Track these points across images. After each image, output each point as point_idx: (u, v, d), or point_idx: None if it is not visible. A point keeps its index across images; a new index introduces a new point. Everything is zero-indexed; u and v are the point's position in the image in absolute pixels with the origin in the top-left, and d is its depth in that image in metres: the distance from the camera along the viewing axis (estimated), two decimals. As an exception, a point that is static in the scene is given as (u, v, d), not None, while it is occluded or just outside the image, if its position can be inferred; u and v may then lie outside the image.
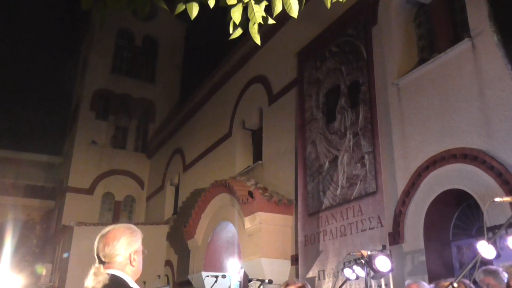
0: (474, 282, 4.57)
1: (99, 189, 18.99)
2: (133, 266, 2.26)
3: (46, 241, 20.26)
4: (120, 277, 2.20)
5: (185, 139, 16.45)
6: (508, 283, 2.60)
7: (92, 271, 2.20)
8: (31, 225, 21.73)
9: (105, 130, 20.20)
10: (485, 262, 4.70)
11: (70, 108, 23.09)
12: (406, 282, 4.81)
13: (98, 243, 2.26)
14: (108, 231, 2.28)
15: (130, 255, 2.25)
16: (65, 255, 13.54)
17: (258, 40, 2.69)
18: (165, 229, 15.88)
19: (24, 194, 21.55)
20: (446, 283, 3.03)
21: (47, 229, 21.30)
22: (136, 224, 16.75)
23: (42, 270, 16.87)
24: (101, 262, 2.22)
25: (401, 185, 7.10)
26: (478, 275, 3.82)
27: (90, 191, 18.75)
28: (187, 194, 14.98)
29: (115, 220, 18.72)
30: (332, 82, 8.98)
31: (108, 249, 2.23)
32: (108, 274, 2.17)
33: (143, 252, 2.34)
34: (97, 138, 19.79)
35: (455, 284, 2.32)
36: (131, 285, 2.20)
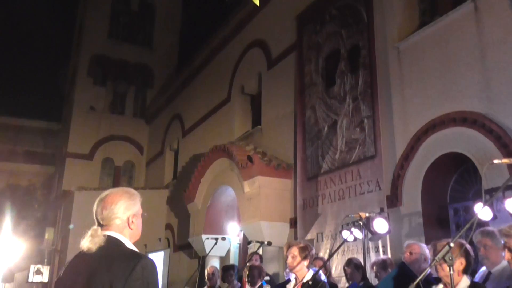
0: (471, 243, 4.66)
1: (98, 155, 19.05)
2: (131, 229, 2.26)
3: (47, 206, 20.48)
4: (116, 238, 2.20)
5: (184, 104, 16.40)
6: (504, 245, 2.64)
7: (89, 232, 2.20)
8: (32, 190, 21.92)
9: (103, 96, 20.11)
10: (482, 224, 4.78)
11: (67, 74, 22.92)
12: (406, 243, 4.89)
13: (96, 206, 2.26)
14: (107, 195, 2.27)
15: (128, 218, 2.25)
16: (71, 226, 13.69)
17: (257, 1, 2.65)
18: (165, 193, 16.03)
19: (24, 160, 21.64)
20: (443, 243, 3.08)
21: (48, 194, 21.51)
22: (136, 189, 16.96)
23: (51, 235, 17.10)
24: (99, 225, 2.23)
25: (400, 149, 7.13)
26: (476, 236, 3.87)
27: (89, 156, 18.82)
28: (187, 159, 15.04)
29: (116, 185, 18.85)
30: (332, 46, 8.89)
31: (106, 212, 2.23)
32: (104, 235, 2.17)
33: (142, 215, 2.34)
34: (96, 104, 19.72)
35: (452, 244, 2.36)
36: (128, 246, 2.20)
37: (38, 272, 16.43)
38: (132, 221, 2.26)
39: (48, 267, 16.60)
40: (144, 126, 20.18)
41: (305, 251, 4.09)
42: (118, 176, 19.47)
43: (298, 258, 4.06)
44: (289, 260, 4.08)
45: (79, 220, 14.36)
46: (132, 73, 20.64)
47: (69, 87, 21.55)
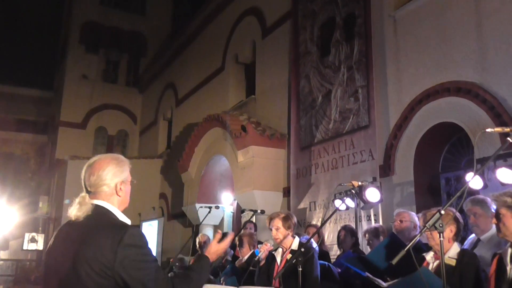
0: (461, 212, 4.72)
1: (91, 124, 18.95)
2: (119, 196, 2.22)
3: (41, 174, 20.48)
4: (104, 208, 2.17)
5: (177, 73, 16.25)
6: (497, 211, 2.66)
7: (77, 200, 2.17)
8: (25, 159, 21.87)
9: (95, 64, 19.86)
10: (472, 193, 4.82)
11: (59, 41, 22.56)
12: (396, 211, 4.94)
13: (84, 172, 2.22)
14: (95, 161, 2.23)
15: (116, 185, 2.20)
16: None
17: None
18: (158, 163, 16.05)
19: (16, 129, 21.51)
20: (433, 212, 3.11)
21: (42, 163, 21.47)
22: (130, 158, 16.97)
23: (45, 203, 17.13)
24: (87, 192, 2.20)
25: (394, 118, 7.13)
26: (466, 204, 3.91)
27: (82, 125, 18.72)
28: (180, 128, 15.00)
29: (109, 154, 18.82)
30: (327, 15, 8.76)
31: (94, 178, 2.18)
32: (92, 204, 2.15)
33: (131, 182, 2.30)
34: (88, 72, 19.49)
35: (443, 212, 2.38)
36: (116, 215, 2.18)
37: (33, 240, 16.56)
38: (120, 188, 2.21)
39: (43, 235, 16.72)
40: (137, 95, 20.03)
41: (288, 221, 4.12)
42: (111, 145, 19.42)
43: (282, 229, 4.09)
44: (274, 232, 4.10)
45: (73, 189, 14.33)
46: (125, 41, 20.35)
47: (61, 54, 21.23)
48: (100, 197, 2.19)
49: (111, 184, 2.19)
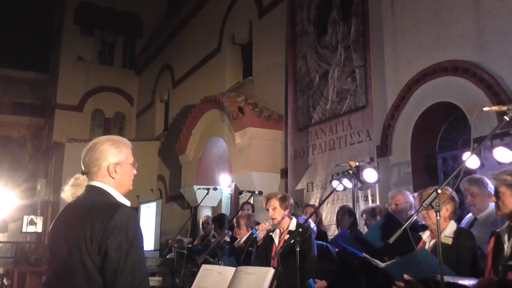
0: (457, 191, 4.73)
1: (88, 106, 18.86)
2: (113, 177, 2.18)
3: (38, 157, 20.45)
4: (100, 188, 2.16)
5: (173, 54, 16.12)
6: (496, 190, 2.67)
7: (71, 181, 2.18)
8: (22, 142, 21.82)
9: (91, 46, 19.68)
10: (469, 172, 4.84)
11: (54, 23, 22.31)
12: (390, 193, 4.95)
13: (82, 154, 2.23)
14: (91, 143, 2.24)
15: (108, 166, 2.17)
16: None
17: None
18: (156, 145, 16.03)
19: (12, 111, 21.42)
20: (429, 192, 3.12)
21: (39, 146, 21.44)
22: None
23: (43, 186, 17.12)
24: (83, 173, 2.21)
25: (391, 98, 7.11)
26: (463, 184, 3.93)
27: (79, 108, 18.63)
28: (177, 110, 14.95)
29: (106, 136, 18.78)
30: (325, -7, 8.67)
31: (87, 159, 2.19)
32: (88, 185, 2.16)
33: (132, 164, 2.26)
34: (84, 54, 19.32)
35: (439, 191, 2.38)
36: (113, 196, 2.17)
37: (32, 222, 16.63)
38: (115, 170, 2.18)
39: (42, 218, 16.79)
40: (134, 76, 19.90)
41: (285, 201, 4.14)
42: (108, 128, 19.37)
43: (279, 209, 4.11)
44: (271, 212, 4.12)
45: (71, 172, 14.22)
46: (120, 22, 20.13)
47: (56, 36, 21.02)
48: (95, 178, 2.18)
49: (102, 164, 2.17)
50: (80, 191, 2.15)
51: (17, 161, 21.03)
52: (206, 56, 13.46)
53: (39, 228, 16.82)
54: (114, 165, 2.19)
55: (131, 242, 1.98)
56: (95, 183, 2.18)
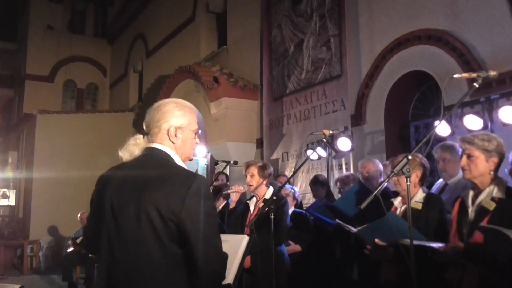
0: (428, 158, 4.83)
1: (59, 77, 18.38)
2: (173, 142, 2.05)
3: (8, 129, 19.98)
4: (161, 150, 2.03)
5: (147, 23, 15.77)
6: (469, 152, 2.70)
7: (130, 141, 2.07)
8: (-9, 114, 21.25)
9: (61, 14, 19.04)
10: (440, 140, 4.93)
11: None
12: (360, 162, 5.02)
13: (146, 114, 2.12)
14: (157, 103, 2.11)
15: (169, 129, 2.04)
16: None
17: None
18: (130, 116, 15.80)
19: (-20, 83, 20.77)
20: (400, 159, 3.18)
21: (9, 118, 20.90)
22: (101, 112, 16.56)
23: (15, 159, 16.78)
24: (143, 133, 2.09)
25: (365, 68, 7.14)
26: (435, 150, 4.00)
27: (50, 78, 18.14)
28: (152, 81, 14.73)
29: (79, 108, 18.45)
30: (300, -39, 8.54)
31: (149, 118, 2.08)
32: (148, 147, 2.04)
33: (195, 132, 2.12)
34: (53, 22, 18.68)
35: (410, 157, 2.42)
36: (172, 158, 2.03)
37: (4, 196, 16.35)
38: (176, 135, 2.04)
39: (14, 191, 16.52)
40: (106, 46, 19.42)
41: (264, 170, 4.18)
42: (81, 99, 18.99)
43: (257, 177, 4.15)
44: (248, 178, 4.18)
45: (43, 144, 14.15)
46: (90, -12, 19.51)
47: (23, 3, 20.25)
48: (155, 140, 2.06)
49: (162, 126, 2.04)
50: (138, 152, 2.04)
51: (-14, 133, 20.52)
52: (180, 25, 13.21)
53: (12, 201, 16.56)
54: (175, 129, 2.06)
55: (211, 210, 1.93)
56: (156, 145, 2.05)
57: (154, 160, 2.01)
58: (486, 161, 2.65)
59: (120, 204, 1.94)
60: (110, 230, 1.94)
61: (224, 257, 1.98)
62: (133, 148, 2.05)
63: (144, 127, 2.10)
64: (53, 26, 18.62)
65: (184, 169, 2.02)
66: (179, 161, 2.06)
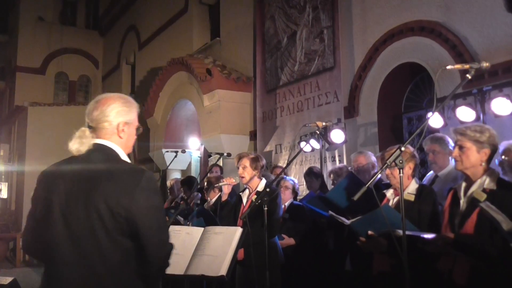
0: (421, 151, 4.85)
1: (51, 69, 18.23)
2: (120, 137, 2.10)
3: (0, 122, 19.84)
4: (108, 147, 2.08)
5: (139, 15, 15.64)
6: (461, 144, 2.70)
7: (76, 133, 2.07)
8: (-18, 106, 21.07)
9: (52, 5, 18.88)
10: (432, 131, 4.94)
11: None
12: (352, 155, 5.02)
13: (89, 107, 2.13)
14: (101, 97, 2.13)
15: (118, 124, 2.09)
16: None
17: None
18: (123, 108, 15.72)
19: (-29, 75, 20.56)
20: (391, 151, 3.19)
21: (0, 110, 20.75)
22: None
23: (7, 151, 16.67)
24: (89, 127, 2.10)
25: (359, 59, 7.14)
26: (425, 142, 4.01)
27: (41, 70, 17.99)
28: (144, 73, 14.65)
29: (71, 100, 18.33)
30: (293, -48, 8.49)
31: (97, 113, 2.08)
32: (95, 143, 2.07)
33: (137, 128, 2.19)
34: (44, 14, 18.51)
35: (403, 148, 2.42)
36: (119, 155, 2.09)
37: (-3, 188, 16.30)
38: (123, 129, 2.10)
39: (6, 184, 16.45)
40: (98, 38, 19.27)
41: (256, 162, 4.17)
42: (73, 91, 18.86)
43: (249, 169, 4.14)
44: (240, 170, 4.17)
45: (35, 136, 14.08)
46: (81, -20, 19.33)
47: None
48: (101, 135, 2.09)
49: (113, 121, 2.09)
50: (85, 147, 2.06)
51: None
52: (173, 17, 13.12)
53: (4, 194, 16.49)
54: (124, 124, 2.11)
55: (159, 204, 2.02)
56: (103, 142, 2.09)
57: (102, 156, 2.05)
58: (477, 152, 2.66)
59: (69, 202, 1.96)
60: (58, 229, 1.96)
61: (170, 248, 2.06)
62: (80, 141, 2.06)
63: (90, 121, 2.11)
64: (44, 18, 18.45)
65: (132, 164, 2.11)
66: (124, 157, 2.12)
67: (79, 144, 2.05)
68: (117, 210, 1.90)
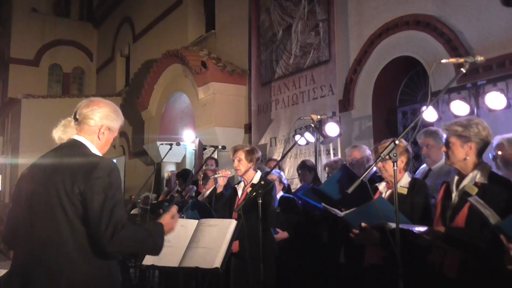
0: (414, 144, 4.87)
1: (44, 61, 18.11)
2: (99, 139, 2.27)
3: (-7, 114, 19.72)
4: (81, 142, 2.23)
5: (133, 7, 15.53)
6: (447, 140, 2.72)
7: (62, 122, 2.26)
8: (-24, 98, 20.91)
9: (45, -4, 18.75)
10: (427, 125, 4.95)
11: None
12: (347, 150, 5.03)
13: (81, 103, 2.29)
14: (96, 99, 2.31)
15: (102, 126, 2.25)
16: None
17: None
18: (117, 101, 15.63)
19: (-37, 66, 20.37)
20: (385, 145, 3.20)
21: (-6, 102, 20.61)
22: (88, 96, 16.37)
23: (0, 144, 16.57)
24: (75, 119, 2.25)
25: (354, 53, 7.14)
26: (419, 136, 4.02)
27: (35, 62, 17.88)
28: (139, 65, 14.58)
29: (65, 92, 18.22)
30: None
31: (87, 110, 2.24)
32: (72, 138, 2.23)
33: (115, 138, 2.36)
34: (37, 5, 18.37)
35: (397, 142, 2.43)
36: (91, 150, 2.23)
37: (-10, 181, 16.23)
38: (103, 133, 2.26)
39: (0, 176, 16.38)
40: (92, 30, 19.14)
41: (251, 154, 4.17)
42: (67, 84, 18.76)
43: (244, 161, 4.14)
44: (236, 163, 4.16)
45: (29, 128, 14.00)
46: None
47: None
48: (83, 131, 2.24)
49: (98, 122, 2.24)
50: (66, 135, 2.23)
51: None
52: (168, 9, 13.04)
53: (-2, 186, 16.43)
54: (106, 128, 2.27)
55: (114, 190, 2.08)
56: (80, 139, 2.24)
57: (73, 151, 2.19)
58: (461, 146, 2.67)
59: (33, 190, 2.12)
60: (24, 215, 2.12)
61: (124, 234, 2.05)
62: (63, 130, 2.25)
63: (78, 115, 2.25)
64: (37, 9, 18.31)
65: (95, 155, 2.23)
66: (95, 151, 2.27)
67: (61, 132, 2.24)
68: (74, 194, 2.02)
